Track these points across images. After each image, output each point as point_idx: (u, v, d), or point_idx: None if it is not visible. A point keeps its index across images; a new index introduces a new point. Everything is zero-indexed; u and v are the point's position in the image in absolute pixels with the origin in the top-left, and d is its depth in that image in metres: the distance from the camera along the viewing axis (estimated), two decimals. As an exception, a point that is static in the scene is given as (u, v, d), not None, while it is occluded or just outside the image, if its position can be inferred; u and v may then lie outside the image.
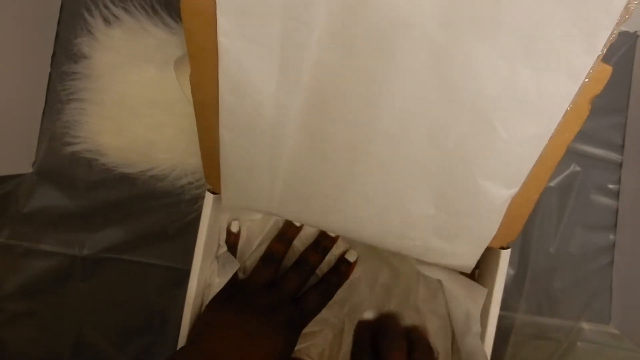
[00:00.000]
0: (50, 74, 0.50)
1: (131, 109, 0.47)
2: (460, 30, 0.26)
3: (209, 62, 0.30)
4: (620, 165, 0.49)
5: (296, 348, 0.43)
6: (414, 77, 0.28)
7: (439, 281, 0.41)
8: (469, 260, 0.37)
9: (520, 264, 0.49)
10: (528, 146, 0.29)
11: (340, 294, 0.44)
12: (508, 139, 0.29)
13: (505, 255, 0.37)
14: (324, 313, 0.44)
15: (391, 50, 0.27)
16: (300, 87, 0.29)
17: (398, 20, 0.26)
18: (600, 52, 0.25)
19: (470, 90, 0.27)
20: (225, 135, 0.33)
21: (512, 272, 0.49)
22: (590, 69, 0.26)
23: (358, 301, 0.44)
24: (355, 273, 0.44)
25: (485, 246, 0.35)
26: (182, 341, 0.39)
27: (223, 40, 0.28)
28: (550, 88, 0.27)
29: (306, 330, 0.43)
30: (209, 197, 0.39)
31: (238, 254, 0.44)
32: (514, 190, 0.32)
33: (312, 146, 0.32)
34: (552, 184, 0.49)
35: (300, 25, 0.27)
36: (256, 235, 0.45)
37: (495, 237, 0.35)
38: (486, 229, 0.34)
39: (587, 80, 0.27)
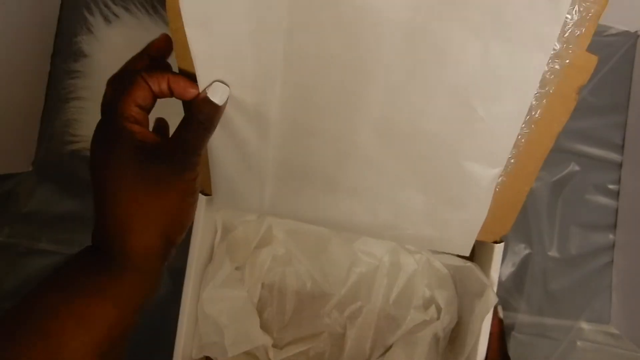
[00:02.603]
0: (50, 73, 0.50)
1: (131, 107, 0.47)
2: (430, 10, 0.26)
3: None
4: (620, 165, 0.49)
5: (296, 351, 0.43)
6: (390, 63, 0.28)
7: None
8: (463, 246, 0.37)
9: (520, 264, 0.49)
10: (507, 123, 0.29)
11: (339, 299, 0.44)
12: (486, 117, 0.29)
13: (498, 249, 0.37)
14: (324, 319, 0.44)
15: (362, 37, 0.27)
16: (277, 80, 0.29)
17: (366, 5, 0.26)
18: (571, 26, 0.26)
19: (445, 70, 0.28)
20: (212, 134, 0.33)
21: (512, 270, 0.49)
22: (564, 45, 0.26)
23: (359, 306, 0.44)
24: (352, 278, 0.44)
25: (477, 230, 0.35)
26: (179, 343, 0.39)
27: (195, 46, 0.27)
28: (522, 61, 0.27)
29: (305, 333, 0.43)
30: (201, 200, 0.39)
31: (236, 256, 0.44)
32: (498, 169, 0.31)
33: (298, 141, 0.32)
34: (552, 183, 0.49)
35: (267, 24, 0.27)
36: (252, 237, 0.45)
37: (487, 230, 0.35)
38: (476, 213, 0.34)
39: (569, 63, 0.27)
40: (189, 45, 0.28)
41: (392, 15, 0.26)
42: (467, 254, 0.38)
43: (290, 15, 0.27)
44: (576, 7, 0.26)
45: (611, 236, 0.49)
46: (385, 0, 0.26)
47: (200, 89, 0.29)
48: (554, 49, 0.27)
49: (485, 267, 0.38)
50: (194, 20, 0.27)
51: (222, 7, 0.27)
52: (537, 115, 0.29)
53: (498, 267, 0.37)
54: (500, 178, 0.33)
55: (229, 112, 0.31)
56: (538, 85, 0.28)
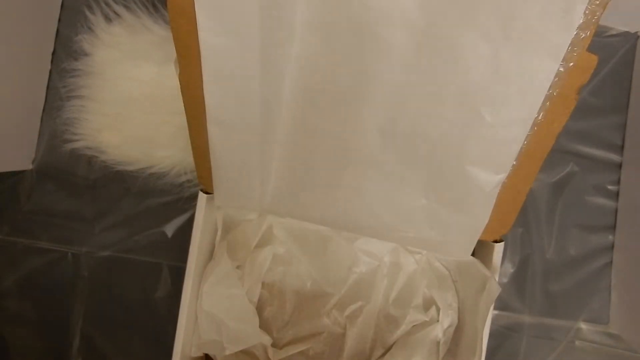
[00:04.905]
0: (50, 71, 0.50)
1: (131, 106, 0.47)
2: (440, 13, 0.26)
3: (197, 61, 0.30)
4: (620, 165, 0.49)
5: (296, 351, 0.43)
6: (398, 65, 0.28)
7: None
8: (464, 250, 0.37)
9: (519, 264, 0.49)
10: (513, 129, 0.29)
11: (339, 299, 0.44)
12: (493, 123, 0.29)
13: (498, 248, 0.37)
14: (324, 318, 0.44)
15: (373, 39, 0.27)
16: (284, 82, 0.29)
17: (377, 7, 0.26)
18: (577, 30, 0.25)
19: (453, 74, 0.28)
20: (214, 132, 0.33)
21: (512, 271, 0.49)
22: (569, 48, 0.26)
23: (359, 306, 0.44)
24: (352, 277, 0.44)
25: (478, 235, 0.35)
26: (179, 340, 0.39)
27: (203, 35, 0.28)
28: (532, 68, 0.27)
29: (305, 333, 0.43)
30: (202, 198, 0.39)
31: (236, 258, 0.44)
32: (502, 175, 0.32)
33: (302, 140, 0.32)
34: (551, 183, 0.49)
35: (279, 24, 0.27)
36: (252, 236, 0.45)
37: (487, 230, 0.35)
38: (478, 217, 0.34)
39: (572, 64, 0.27)
40: (199, 41, 0.28)
41: (403, 18, 0.26)
42: (468, 257, 0.38)
43: (303, 15, 0.27)
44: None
45: (610, 237, 0.49)
46: (396, 3, 0.26)
47: (205, 81, 0.30)
48: (561, 54, 0.27)
49: (485, 266, 0.38)
50: (208, 19, 0.27)
51: (236, 7, 0.27)
52: (539, 117, 0.30)
53: (498, 266, 0.37)
54: (501, 179, 0.33)
55: (234, 109, 0.31)
56: (547, 91, 0.28)
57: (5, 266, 0.50)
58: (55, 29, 0.49)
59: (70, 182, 0.50)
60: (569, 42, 0.26)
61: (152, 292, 0.49)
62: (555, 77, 0.28)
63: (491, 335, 0.38)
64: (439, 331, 0.42)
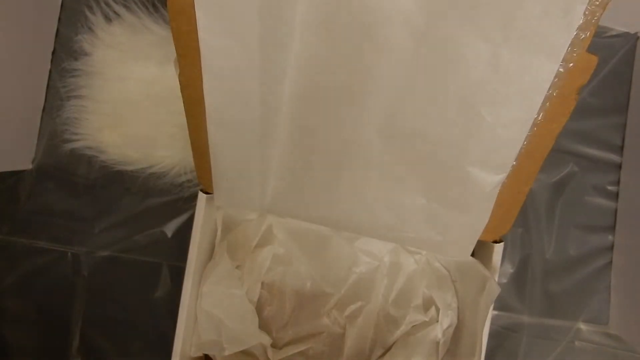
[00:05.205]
0: (50, 71, 0.50)
1: (131, 106, 0.47)
2: (440, 13, 0.26)
3: (196, 61, 0.30)
4: (620, 166, 0.49)
5: (295, 351, 0.43)
6: (398, 65, 0.28)
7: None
8: (464, 250, 0.37)
9: (519, 265, 0.49)
10: (513, 130, 0.29)
11: (339, 299, 0.44)
12: (493, 123, 0.29)
13: (498, 249, 0.37)
14: (324, 318, 0.44)
15: (373, 39, 0.27)
16: (284, 82, 0.29)
17: (377, 7, 0.26)
18: (576, 30, 0.26)
19: (453, 74, 0.28)
20: (214, 132, 0.33)
21: (511, 271, 0.49)
22: (569, 48, 0.26)
23: (359, 306, 0.44)
24: (352, 277, 0.44)
25: (478, 235, 0.35)
26: (178, 340, 0.39)
27: (203, 35, 0.28)
28: (532, 68, 0.27)
29: (305, 333, 0.43)
30: (202, 198, 0.39)
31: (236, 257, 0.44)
32: (502, 176, 0.32)
33: (302, 140, 0.32)
34: (551, 184, 0.49)
35: (279, 24, 0.27)
36: (252, 236, 0.45)
37: (487, 230, 0.35)
38: (478, 217, 0.34)
39: (572, 65, 0.27)
40: (199, 41, 0.28)
41: (403, 18, 0.26)
42: (468, 257, 0.38)
43: (303, 15, 0.27)
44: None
45: (610, 237, 0.49)
46: (396, 3, 0.26)
47: (205, 81, 0.30)
48: (561, 54, 0.27)
49: (485, 266, 0.38)
50: (207, 19, 0.27)
51: (235, 7, 0.27)
52: (539, 117, 0.30)
53: (498, 267, 0.37)
54: (501, 179, 0.33)
55: (234, 109, 0.31)
56: (547, 91, 0.28)
57: (5, 266, 0.50)
58: (55, 29, 0.49)
59: (70, 182, 0.50)
60: (569, 42, 0.26)
61: (152, 292, 0.49)
62: (555, 78, 0.28)
63: (491, 335, 0.38)
64: (439, 331, 0.42)
